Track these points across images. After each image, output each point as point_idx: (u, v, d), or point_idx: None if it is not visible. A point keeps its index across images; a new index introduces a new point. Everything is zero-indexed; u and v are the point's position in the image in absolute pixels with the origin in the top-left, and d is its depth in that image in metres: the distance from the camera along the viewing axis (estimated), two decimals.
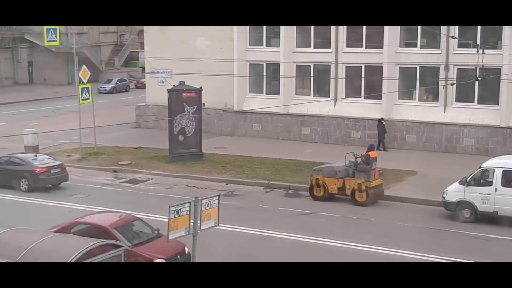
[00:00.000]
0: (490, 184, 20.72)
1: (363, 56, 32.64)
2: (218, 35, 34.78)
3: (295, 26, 33.68)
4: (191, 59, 35.36)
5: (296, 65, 34.60)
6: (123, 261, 13.56)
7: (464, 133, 30.72)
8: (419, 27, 30.92)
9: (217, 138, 35.03)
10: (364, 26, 31.94)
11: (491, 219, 20.69)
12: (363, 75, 33.05)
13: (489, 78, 24.13)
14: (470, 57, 26.95)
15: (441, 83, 30.38)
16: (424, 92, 32.16)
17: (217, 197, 13.04)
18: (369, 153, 23.23)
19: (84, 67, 31.59)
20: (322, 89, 34.72)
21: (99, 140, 32.27)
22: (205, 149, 30.33)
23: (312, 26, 33.47)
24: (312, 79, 34.69)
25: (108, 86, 60.30)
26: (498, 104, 30.18)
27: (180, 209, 12.16)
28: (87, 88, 31.14)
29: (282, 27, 33.68)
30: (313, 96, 34.39)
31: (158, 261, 15.55)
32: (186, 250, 16.25)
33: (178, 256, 16.14)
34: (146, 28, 39.29)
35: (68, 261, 12.03)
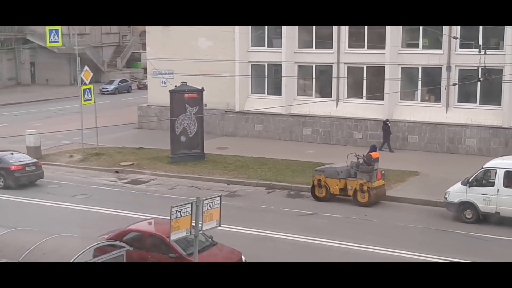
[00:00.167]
0: (492, 184, 20.70)
1: (365, 56, 32.63)
2: (220, 36, 34.80)
3: (297, 27, 33.69)
4: (193, 60, 35.39)
5: (298, 66, 34.59)
6: (125, 261, 13.57)
7: (466, 133, 30.70)
8: (421, 27, 30.91)
9: (219, 139, 35.04)
10: (366, 27, 31.95)
11: (493, 219, 20.67)
12: (365, 75, 33.04)
13: (491, 79, 24.12)
14: (472, 58, 26.93)
15: (443, 83, 30.36)
16: (426, 92, 32.14)
17: (218, 198, 13.05)
18: (371, 153, 23.22)
19: (86, 68, 31.61)
20: (324, 90, 34.70)
21: (101, 141, 32.29)
22: (207, 149, 30.33)
23: (314, 27, 33.48)
24: (314, 80, 34.69)
25: (110, 87, 60.38)
26: (500, 105, 30.15)
27: (182, 210, 12.18)
28: (89, 89, 31.16)
29: (284, 28, 33.68)
30: (315, 97, 34.39)
31: None
32: (243, 258, 15.97)
33: None
34: (148, 28, 39.32)
35: (70, 262, 12.04)
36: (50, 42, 31.35)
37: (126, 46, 73.46)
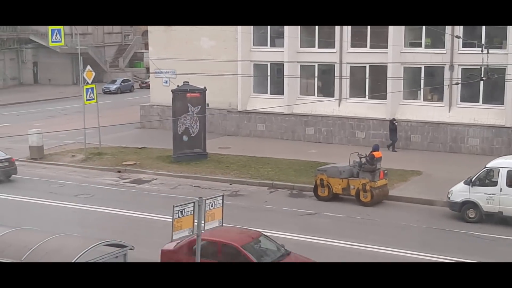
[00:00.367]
0: (495, 184, 20.67)
1: (367, 56, 32.61)
2: (222, 35, 34.80)
3: (299, 26, 33.67)
4: (195, 60, 35.40)
5: (300, 65, 34.58)
6: (127, 261, 13.55)
7: (469, 133, 30.66)
8: (423, 27, 30.87)
9: (221, 138, 35.03)
10: (369, 26, 31.91)
11: (496, 219, 20.63)
12: (367, 75, 33.02)
13: (494, 78, 24.07)
14: (475, 57, 26.89)
15: (446, 83, 30.32)
16: (429, 92, 32.10)
17: (221, 197, 13.02)
18: (374, 153, 23.19)
19: (88, 67, 31.61)
20: (326, 89, 34.68)
21: (103, 140, 32.31)
22: (209, 149, 30.33)
23: (316, 26, 33.45)
24: (316, 79, 34.67)
25: (113, 87, 60.44)
26: (503, 104, 30.10)
27: (184, 209, 12.15)
28: (92, 88, 31.18)
29: (286, 27, 33.66)
30: (317, 96, 34.37)
31: None
32: None
33: None
34: (150, 28, 39.33)
35: (73, 261, 12.03)
36: (52, 41, 31.36)
37: (129, 46, 73.53)
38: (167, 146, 30.58)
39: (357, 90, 33.49)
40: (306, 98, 34.01)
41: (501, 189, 20.45)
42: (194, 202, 12.36)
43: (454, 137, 30.96)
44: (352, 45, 32.97)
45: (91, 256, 12.54)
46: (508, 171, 20.46)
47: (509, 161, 21.13)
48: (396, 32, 31.36)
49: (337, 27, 32.78)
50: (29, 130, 32.03)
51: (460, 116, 30.89)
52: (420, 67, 31.69)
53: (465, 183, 21.12)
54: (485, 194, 20.66)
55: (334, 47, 33.18)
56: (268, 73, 35.61)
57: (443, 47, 30.95)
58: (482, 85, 29.53)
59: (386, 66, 31.80)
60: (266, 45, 35.40)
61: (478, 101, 30.70)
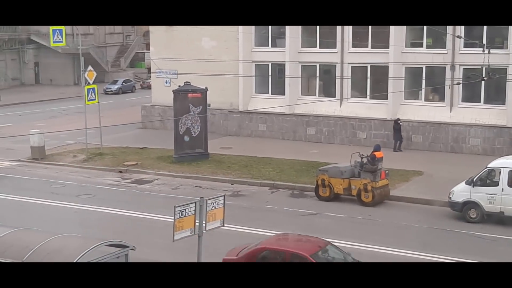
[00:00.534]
0: (496, 184, 20.66)
1: (368, 56, 32.60)
2: (223, 36, 34.80)
3: (300, 26, 33.66)
4: (197, 60, 35.40)
5: (302, 65, 34.59)
6: (128, 262, 13.56)
7: (471, 133, 30.64)
8: (425, 27, 30.86)
9: (223, 139, 35.04)
10: (370, 26, 31.90)
11: (497, 219, 20.62)
12: (368, 75, 33.02)
13: (495, 78, 24.07)
14: (476, 57, 26.88)
15: (447, 83, 30.30)
16: (430, 92, 32.09)
17: (222, 198, 13.03)
18: (375, 153, 23.19)
19: (90, 68, 31.63)
20: (327, 89, 34.68)
21: (105, 141, 32.33)
22: (211, 149, 30.33)
23: (318, 26, 33.45)
24: (317, 79, 34.67)
25: (114, 87, 60.45)
26: (504, 104, 30.09)
27: (185, 210, 12.16)
28: (93, 88, 31.18)
29: (287, 27, 33.66)
30: (319, 96, 34.36)
31: None
32: None
33: None
34: (151, 28, 39.34)
35: (74, 262, 12.03)
36: (54, 42, 31.39)
37: (130, 46, 73.55)
38: (169, 147, 30.59)
39: (358, 90, 33.49)
40: (307, 98, 34.00)
41: (502, 189, 20.44)
42: (195, 202, 12.37)
43: (455, 137, 30.95)
44: (353, 45, 32.97)
45: (92, 257, 12.55)
46: (509, 171, 20.45)
47: (510, 161, 21.11)
48: (397, 32, 31.35)
49: (338, 27, 32.78)
50: (30, 130, 32.06)
51: (461, 116, 30.88)
52: (421, 67, 31.68)
53: (467, 183, 21.11)
54: (486, 194, 20.65)
55: (335, 47, 33.18)
56: (270, 73, 35.61)
57: (444, 47, 30.94)
58: (484, 85, 29.52)
59: (387, 66, 31.78)
60: (268, 45, 35.39)
61: (480, 101, 30.68)
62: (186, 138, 29.59)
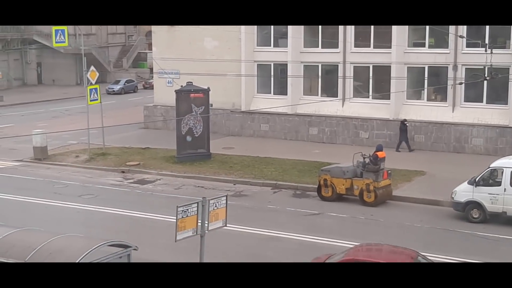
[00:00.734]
0: (499, 184, 20.64)
1: (371, 56, 32.58)
2: (225, 36, 34.80)
3: (302, 26, 33.66)
4: (199, 60, 35.40)
5: (304, 65, 34.57)
6: (131, 262, 13.56)
7: (473, 133, 30.61)
8: (427, 26, 30.83)
9: (225, 139, 35.04)
10: (372, 26, 31.88)
11: (500, 219, 20.60)
12: (371, 75, 33.00)
13: (498, 78, 24.06)
14: (479, 57, 26.84)
15: (450, 83, 30.29)
16: (433, 92, 32.07)
17: (224, 198, 13.04)
18: (377, 153, 23.17)
19: (92, 68, 31.66)
20: (330, 89, 34.66)
21: (107, 141, 32.35)
22: (213, 149, 30.34)
23: (320, 26, 33.44)
24: (320, 79, 34.65)
25: (116, 87, 60.49)
26: (507, 104, 30.05)
27: (188, 210, 12.17)
28: (96, 89, 31.20)
29: (289, 27, 33.65)
30: (321, 96, 34.36)
31: None
32: None
33: None
34: (154, 28, 39.36)
35: (76, 262, 12.04)
36: (56, 42, 31.41)
37: (132, 46, 73.59)
38: (171, 147, 30.60)
39: (360, 90, 33.47)
40: (309, 98, 33.98)
41: (505, 189, 20.41)
42: (197, 203, 12.37)
43: (457, 137, 30.92)
44: (356, 45, 32.95)
45: (95, 257, 12.55)
46: None
47: None
48: (399, 32, 31.33)
49: (341, 27, 32.77)
50: (33, 130, 32.11)
51: (464, 116, 30.85)
52: (424, 67, 31.66)
53: (469, 183, 21.09)
54: (489, 194, 20.62)
55: (337, 47, 33.17)
56: (272, 73, 35.60)
57: (447, 47, 30.91)
58: (486, 85, 29.50)
59: (390, 66, 31.77)
60: (270, 45, 35.39)
61: (482, 101, 30.65)
62: (189, 138, 29.59)
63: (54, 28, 31.00)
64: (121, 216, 22.17)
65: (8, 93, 57.82)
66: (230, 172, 27.61)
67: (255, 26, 34.98)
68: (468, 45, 30.17)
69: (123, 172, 28.53)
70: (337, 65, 33.50)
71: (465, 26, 29.58)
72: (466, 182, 21.29)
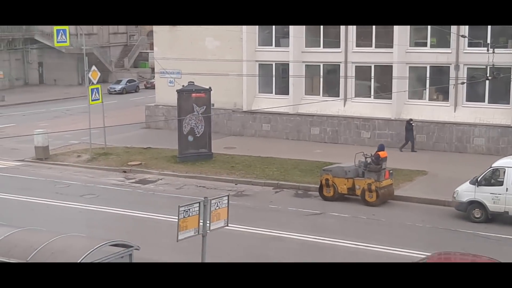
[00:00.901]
0: (501, 184, 20.62)
1: (372, 55, 32.56)
2: (227, 35, 34.79)
3: (304, 26, 33.64)
4: (201, 60, 35.41)
5: (306, 65, 34.57)
6: (132, 262, 13.56)
7: (475, 132, 30.58)
8: (429, 26, 30.81)
9: (227, 138, 35.04)
10: (374, 26, 31.87)
11: (502, 219, 20.60)
12: (372, 74, 32.98)
13: (500, 77, 24.03)
14: (481, 57, 26.85)
15: (452, 82, 30.28)
16: (434, 91, 32.05)
17: (226, 197, 13.03)
18: (379, 153, 23.16)
19: (94, 67, 31.67)
20: (331, 89, 34.65)
21: (109, 141, 32.35)
22: (215, 149, 30.33)
23: (322, 26, 33.42)
24: (321, 79, 34.64)
25: (118, 87, 60.51)
26: (509, 104, 30.03)
27: (189, 209, 12.16)
28: (97, 88, 31.22)
29: (291, 27, 33.64)
30: (323, 96, 34.35)
31: None
32: None
33: None
34: (155, 28, 39.36)
35: (78, 262, 12.04)
36: (57, 42, 31.43)
37: (134, 46, 73.62)
38: (173, 146, 30.61)
39: (362, 89, 33.45)
40: (311, 98, 33.96)
41: (507, 188, 20.39)
42: (199, 202, 12.37)
43: (459, 136, 30.90)
44: (357, 45, 32.94)
45: (96, 256, 12.55)
46: None
47: None
48: (401, 32, 31.31)
49: (342, 27, 32.75)
50: (34, 130, 32.12)
51: (465, 115, 30.83)
52: (426, 67, 31.63)
53: (471, 183, 21.07)
54: (491, 194, 20.60)
55: (339, 47, 33.15)
56: (273, 73, 35.60)
57: (449, 47, 30.90)
58: (488, 85, 29.48)
59: (392, 65, 31.75)
60: (271, 45, 35.39)
61: (484, 101, 30.63)
62: (190, 138, 29.60)
63: (55, 28, 31.02)
64: (122, 216, 22.17)
65: (9, 93, 57.86)
66: (232, 172, 27.61)
67: (257, 26, 34.98)
68: (470, 45, 30.16)
69: (124, 172, 28.54)
70: (339, 65, 33.48)
71: (467, 26, 29.55)
72: (468, 182, 21.27)
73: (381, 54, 32.21)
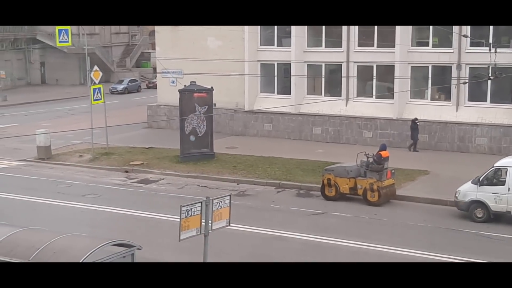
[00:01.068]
0: (503, 183, 20.59)
1: (374, 55, 32.55)
2: (229, 35, 34.79)
3: (306, 26, 33.63)
4: (202, 59, 35.41)
5: (308, 65, 34.56)
6: (134, 261, 13.57)
7: (477, 132, 30.56)
8: (431, 26, 30.78)
9: (229, 138, 35.04)
10: (376, 26, 31.84)
11: (504, 219, 20.57)
12: (374, 74, 32.96)
13: (502, 77, 24.03)
14: (483, 56, 26.82)
15: (454, 82, 30.26)
16: (436, 91, 32.03)
17: (228, 197, 13.02)
18: (381, 152, 23.15)
19: (95, 67, 31.68)
20: (333, 89, 34.64)
21: (111, 140, 32.37)
22: (217, 149, 30.34)
23: (324, 26, 33.41)
24: (323, 79, 34.62)
25: (120, 87, 60.54)
26: (511, 103, 30.02)
27: (191, 209, 12.16)
28: (99, 88, 31.23)
29: (293, 27, 33.64)
30: (325, 96, 34.32)
31: None
32: None
33: None
34: (157, 28, 39.37)
35: (80, 261, 12.05)
36: (59, 42, 31.44)
37: (136, 46, 73.64)
38: (174, 146, 30.61)
39: (364, 89, 33.44)
40: (313, 98, 33.96)
41: (509, 188, 20.36)
42: (201, 202, 12.37)
43: (461, 136, 30.87)
44: (359, 45, 32.93)
45: (98, 256, 12.55)
46: None
47: None
48: (403, 32, 31.29)
49: (344, 27, 32.73)
50: (36, 130, 32.13)
51: (467, 115, 30.80)
52: (428, 67, 31.61)
53: (473, 182, 21.05)
54: (493, 193, 20.58)
55: (341, 47, 33.14)
56: (275, 73, 35.59)
57: (451, 47, 30.87)
58: (490, 84, 29.45)
59: (394, 65, 31.73)
60: (273, 45, 35.38)
61: (486, 100, 30.60)
62: (192, 138, 29.60)
63: (57, 27, 31.04)
64: (124, 216, 22.18)
65: (12, 93, 57.89)
66: (234, 171, 27.61)
67: (259, 26, 34.97)
68: (472, 44, 30.14)
69: (126, 171, 28.55)
70: (341, 65, 33.47)
71: (469, 26, 29.52)
72: (470, 182, 21.26)
73: (383, 53, 32.20)
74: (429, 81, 31.78)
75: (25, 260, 12.29)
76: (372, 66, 32.92)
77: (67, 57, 64.94)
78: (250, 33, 34.81)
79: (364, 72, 33.26)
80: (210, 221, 12.52)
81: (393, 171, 23.43)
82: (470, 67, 30.40)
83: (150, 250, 15.98)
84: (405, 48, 31.52)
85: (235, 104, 35.94)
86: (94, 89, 30.98)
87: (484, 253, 17.90)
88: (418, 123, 30.75)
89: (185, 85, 30.48)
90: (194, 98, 29.50)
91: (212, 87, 29.80)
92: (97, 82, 31.23)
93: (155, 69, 48.65)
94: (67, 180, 27.48)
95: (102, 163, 29.88)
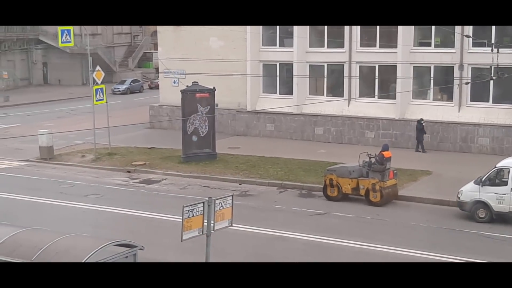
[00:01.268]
0: (505, 184, 20.57)
1: (376, 55, 32.54)
2: (231, 36, 34.80)
3: (308, 26, 33.62)
4: (205, 60, 35.43)
5: (310, 65, 34.55)
6: (137, 261, 13.58)
7: (479, 132, 30.53)
8: (433, 26, 30.77)
9: (231, 138, 35.05)
10: (378, 26, 31.83)
11: (506, 219, 20.55)
12: (376, 74, 32.95)
13: (504, 77, 23.97)
14: (485, 56, 26.79)
15: (456, 82, 30.23)
16: (439, 91, 32.01)
17: (230, 197, 13.04)
18: (383, 153, 23.14)
19: (98, 68, 31.70)
20: (335, 89, 34.64)
21: (113, 141, 32.39)
22: (219, 149, 30.34)
23: (326, 26, 33.40)
24: (325, 79, 34.62)
25: (122, 87, 60.57)
26: None
27: (193, 209, 12.18)
28: (101, 88, 31.25)
29: (295, 27, 33.63)
30: (327, 96, 34.33)
31: None
32: None
33: None
34: (159, 28, 39.39)
35: (83, 261, 12.06)
36: (62, 42, 31.49)
37: (138, 46, 73.68)
38: (177, 146, 30.63)
39: (366, 89, 33.42)
40: (315, 98, 33.96)
41: (511, 188, 20.34)
42: (203, 202, 12.38)
43: (464, 136, 30.85)
44: (361, 45, 32.91)
45: (101, 256, 12.56)
46: None
47: None
48: (405, 32, 31.27)
49: (346, 27, 32.73)
50: (39, 130, 32.17)
51: (470, 115, 30.78)
52: (430, 67, 31.60)
53: (475, 183, 21.03)
54: (495, 194, 20.56)
55: (343, 47, 33.14)
56: (277, 73, 35.59)
57: (453, 47, 30.84)
58: (492, 85, 29.42)
59: (396, 65, 31.72)
60: (275, 45, 35.38)
61: (488, 101, 30.58)
62: (194, 138, 29.61)
63: (60, 28, 31.08)
64: (127, 216, 22.20)
65: (14, 93, 57.94)
66: (236, 172, 27.61)
67: (261, 26, 34.97)
68: (474, 45, 30.11)
69: (129, 172, 28.57)
70: (343, 65, 33.46)
71: (471, 26, 29.49)
72: (472, 182, 21.24)
73: (385, 54, 32.19)
74: (431, 81, 31.77)
75: (27, 260, 12.30)
76: (374, 67, 32.90)
77: (70, 57, 65.00)
78: (252, 33, 34.81)
79: (366, 73, 33.25)
80: (212, 221, 12.53)
81: (395, 171, 23.42)
82: (472, 67, 30.37)
83: (152, 250, 15.98)
84: (407, 48, 31.50)
85: (237, 104, 35.95)
86: (96, 90, 31.00)
87: (486, 253, 17.89)
88: (423, 124, 30.73)
89: (187, 86, 30.50)
90: (196, 98, 29.51)
91: (214, 88, 29.80)
92: (99, 82, 31.25)
93: (157, 69, 48.65)
94: (69, 180, 27.51)
95: (105, 163, 29.90)
